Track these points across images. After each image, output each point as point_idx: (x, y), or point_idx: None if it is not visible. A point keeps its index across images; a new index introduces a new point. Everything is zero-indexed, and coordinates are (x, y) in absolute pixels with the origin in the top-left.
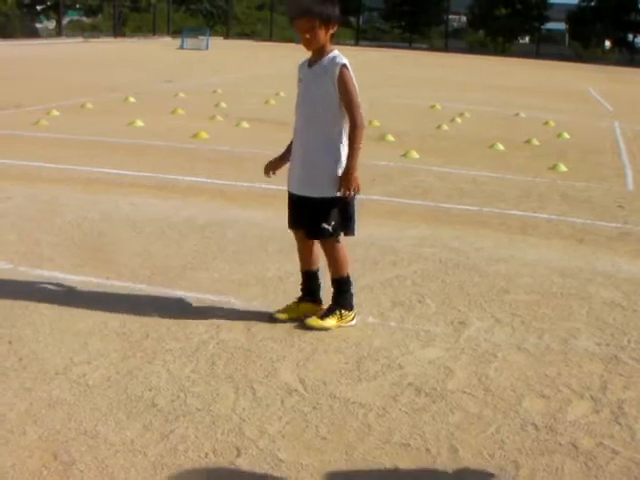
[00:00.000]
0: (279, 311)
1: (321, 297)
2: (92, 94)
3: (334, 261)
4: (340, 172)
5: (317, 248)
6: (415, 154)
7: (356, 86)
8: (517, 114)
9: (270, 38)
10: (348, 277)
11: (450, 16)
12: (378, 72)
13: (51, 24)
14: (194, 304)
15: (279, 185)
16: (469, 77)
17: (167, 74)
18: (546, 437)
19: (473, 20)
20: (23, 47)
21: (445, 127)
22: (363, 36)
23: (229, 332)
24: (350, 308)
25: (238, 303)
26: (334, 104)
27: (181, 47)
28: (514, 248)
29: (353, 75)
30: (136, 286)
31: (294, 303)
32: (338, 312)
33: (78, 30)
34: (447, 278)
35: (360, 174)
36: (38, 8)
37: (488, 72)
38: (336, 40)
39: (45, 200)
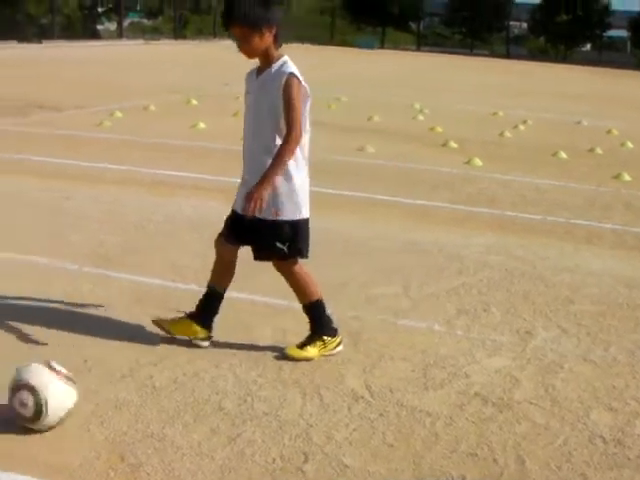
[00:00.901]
0: (164, 320)
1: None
2: (154, 96)
3: (297, 287)
4: (292, 193)
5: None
6: (478, 161)
7: (302, 98)
8: (579, 122)
9: (330, 42)
10: (318, 301)
11: (511, 22)
12: (440, 78)
13: (112, 26)
14: (260, 308)
15: (342, 190)
16: (530, 84)
17: (228, 77)
18: (614, 451)
19: (534, 26)
20: (85, 48)
21: (508, 134)
22: (424, 41)
23: (296, 337)
24: (333, 333)
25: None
26: (280, 117)
27: None
28: (579, 258)
29: (303, 85)
30: (200, 289)
31: (183, 318)
32: (319, 340)
33: (139, 32)
34: (512, 287)
35: (412, 180)
36: (99, 10)
37: (549, 79)
38: (397, 45)
39: (109, 201)
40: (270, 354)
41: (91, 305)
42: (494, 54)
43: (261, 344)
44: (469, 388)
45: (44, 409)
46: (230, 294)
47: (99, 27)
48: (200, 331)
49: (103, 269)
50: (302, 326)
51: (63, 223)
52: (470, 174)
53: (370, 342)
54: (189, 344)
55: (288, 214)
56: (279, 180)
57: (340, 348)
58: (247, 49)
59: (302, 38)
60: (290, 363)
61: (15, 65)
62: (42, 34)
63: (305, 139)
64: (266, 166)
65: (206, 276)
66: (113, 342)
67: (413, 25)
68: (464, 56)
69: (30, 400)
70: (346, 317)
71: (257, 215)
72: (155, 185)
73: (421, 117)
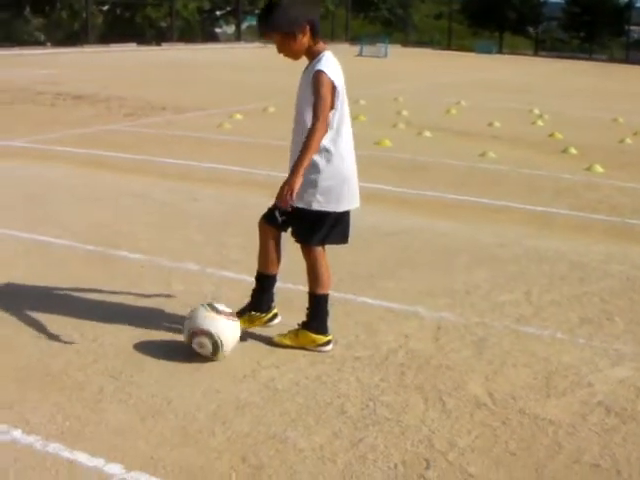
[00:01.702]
0: (281, 337)
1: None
2: (273, 98)
3: (309, 271)
4: (311, 183)
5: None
6: (599, 168)
7: (329, 90)
8: None
9: (448, 47)
10: (263, 275)
11: (631, 27)
12: (558, 83)
13: (230, 29)
14: (381, 313)
15: (465, 196)
16: None
17: (347, 81)
18: None
19: None
20: (203, 51)
21: (628, 141)
22: (542, 46)
23: (418, 342)
24: (265, 309)
25: (426, 313)
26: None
27: (360, 54)
28: None
29: (331, 79)
30: (330, 293)
31: (299, 329)
32: (248, 314)
33: (256, 35)
34: (635, 296)
35: (533, 186)
36: (217, 13)
37: None
38: (514, 49)
39: (231, 202)
40: (392, 359)
41: None
42: (613, 59)
43: (384, 349)
44: (592, 397)
45: (220, 346)
46: (351, 298)
47: (217, 30)
48: (319, 338)
49: (225, 270)
50: (425, 332)
51: (188, 224)
52: (591, 181)
53: (493, 349)
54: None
55: (299, 201)
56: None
57: (276, 321)
58: (286, 53)
59: (420, 43)
60: (413, 368)
61: (135, 67)
62: (161, 37)
63: (342, 134)
64: (296, 154)
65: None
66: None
67: (531, 30)
68: (582, 61)
69: (208, 342)
70: (471, 323)
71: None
72: (276, 187)
73: (540, 123)
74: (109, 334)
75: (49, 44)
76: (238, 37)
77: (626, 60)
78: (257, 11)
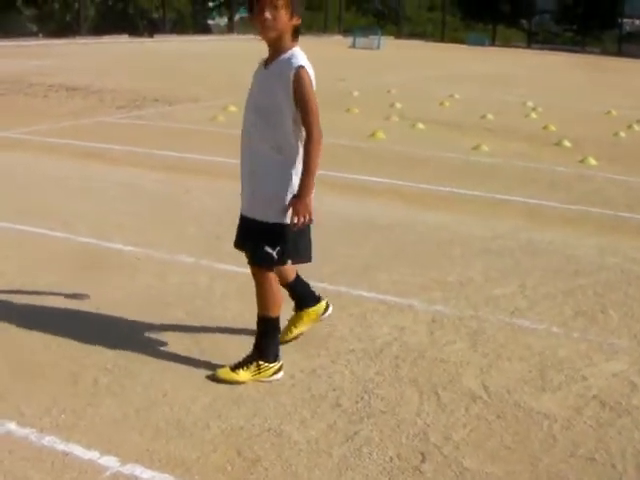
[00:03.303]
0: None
1: (316, 295)
2: None
3: (262, 295)
4: (291, 196)
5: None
6: (593, 161)
7: (314, 92)
8: None
9: (441, 39)
10: (275, 319)
11: (624, 20)
12: (552, 76)
13: (223, 21)
14: (376, 305)
15: (458, 189)
16: None
17: (341, 72)
18: None
19: None
20: (196, 43)
21: (622, 134)
22: (534, 39)
23: (412, 335)
24: (273, 359)
25: (420, 306)
26: (287, 114)
27: (353, 46)
28: None
29: (313, 79)
30: (317, 285)
31: (295, 315)
32: (255, 364)
33: (249, 27)
34: (629, 290)
35: (527, 179)
36: (210, 5)
37: None
38: (507, 42)
39: (225, 195)
40: (387, 352)
41: (209, 298)
42: (606, 52)
43: (378, 342)
44: (587, 391)
45: None
46: (346, 290)
47: (210, 22)
48: (314, 310)
49: (220, 262)
50: (419, 325)
51: (181, 216)
52: (584, 174)
53: (488, 342)
54: (306, 340)
55: (284, 219)
56: (279, 182)
57: (278, 376)
58: (272, 24)
59: (413, 34)
60: (407, 361)
61: (128, 59)
62: (153, 28)
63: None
64: (267, 165)
65: (325, 272)
66: (229, 335)
67: (524, 22)
68: (575, 54)
69: None
70: (465, 316)
71: (260, 219)
72: None
73: (534, 115)
74: (104, 326)
75: (41, 35)
76: (231, 29)
77: (619, 53)
78: None
